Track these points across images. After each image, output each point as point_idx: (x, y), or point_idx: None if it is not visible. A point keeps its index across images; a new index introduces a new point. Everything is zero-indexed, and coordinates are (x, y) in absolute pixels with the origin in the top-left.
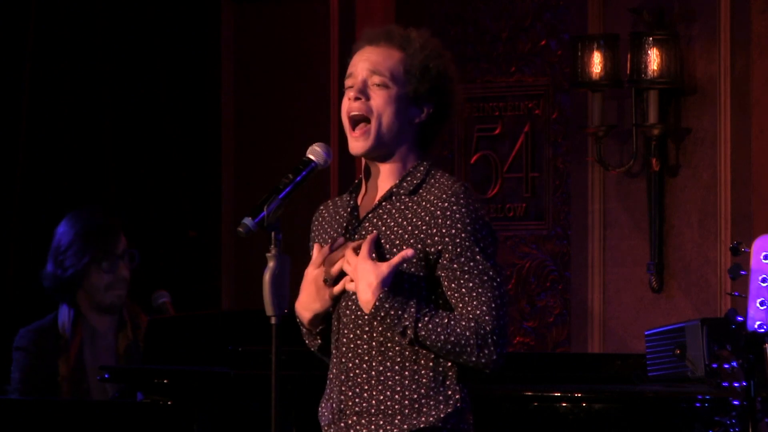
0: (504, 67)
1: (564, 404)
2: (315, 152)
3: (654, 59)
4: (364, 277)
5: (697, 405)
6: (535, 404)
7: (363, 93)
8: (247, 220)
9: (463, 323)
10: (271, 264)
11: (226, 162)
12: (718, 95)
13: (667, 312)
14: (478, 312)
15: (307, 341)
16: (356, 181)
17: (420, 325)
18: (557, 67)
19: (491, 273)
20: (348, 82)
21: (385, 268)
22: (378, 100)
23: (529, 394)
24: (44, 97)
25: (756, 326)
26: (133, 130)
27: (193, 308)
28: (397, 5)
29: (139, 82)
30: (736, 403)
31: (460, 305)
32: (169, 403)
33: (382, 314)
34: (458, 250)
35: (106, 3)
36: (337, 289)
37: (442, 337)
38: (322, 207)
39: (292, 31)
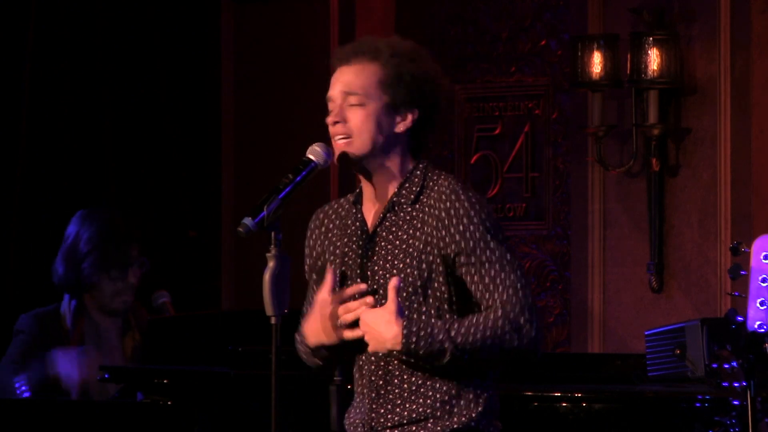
0: (504, 67)
1: (564, 404)
2: (315, 152)
3: (654, 59)
4: (378, 321)
5: (697, 405)
6: (535, 404)
7: (341, 116)
8: (247, 220)
9: (492, 315)
10: (271, 264)
11: (226, 162)
12: (718, 95)
13: (667, 312)
14: (504, 297)
15: (303, 356)
16: (357, 190)
17: (453, 334)
18: (557, 67)
19: (508, 257)
20: (329, 106)
21: (391, 304)
22: (355, 120)
23: (529, 394)
24: (44, 97)
25: (756, 326)
26: (133, 130)
27: (193, 308)
28: (397, 5)
29: (139, 82)
30: (736, 403)
31: (486, 295)
32: (169, 403)
33: (414, 340)
34: (471, 243)
35: (106, 3)
36: (348, 335)
37: (479, 335)
38: (321, 213)
39: (292, 31)
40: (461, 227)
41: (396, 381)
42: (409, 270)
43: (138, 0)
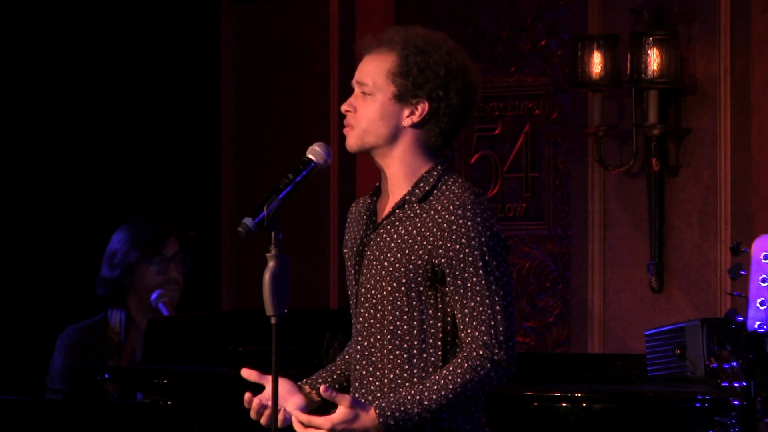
0: (504, 67)
1: (564, 404)
2: (315, 152)
3: (654, 59)
4: (353, 423)
5: (697, 405)
6: (535, 404)
7: (351, 105)
8: (247, 220)
9: (459, 370)
10: (271, 264)
11: (226, 162)
12: (718, 95)
13: (667, 312)
14: (476, 334)
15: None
16: (378, 184)
17: (426, 403)
18: (557, 67)
19: (493, 287)
20: None
21: (348, 405)
22: (361, 110)
23: (529, 394)
24: (44, 97)
25: (756, 326)
26: (133, 130)
27: (193, 308)
28: (397, 5)
29: (139, 82)
30: (736, 403)
31: (461, 326)
32: (169, 403)
33: (393, 423)
34: (461, 265)
35: (106, 3)
36: None
37: (451, 395)
38: (353, 205)
39: (292, 31)
40: (457, 246)
41: (378, 373)
42: (397, 265)
43: (138, 0)
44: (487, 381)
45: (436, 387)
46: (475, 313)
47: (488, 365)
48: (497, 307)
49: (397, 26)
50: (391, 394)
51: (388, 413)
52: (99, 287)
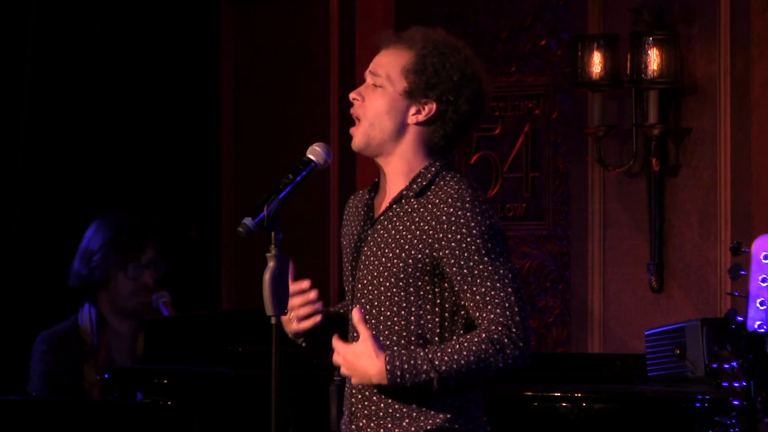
0: (504, 67)
1: (564, 404)
2: (315, 152)
3: (654, 59)
4: (359, 357)
5: (697, 405)
6: (535, 404)
7: (360, 94)
8: (247, 220)
9: (476, 339)
10: (271, 264)
11: (226, 162)
12: (718, 95)
13: (667, 312)
14: (491, 316)
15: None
16: (376, 179)
17: (437, 363)
18: (557, 67)
19: (501, 271)
20: None
21: (367, 339)
22: (369, 100)
23: (529, 394)
24: (44, 97)
25: (756, 326)
26: (133, 130)
27: (193, 308)
28: (397, 5)
29: (139, 82)
30: (736, 403)
31: (476, 313)
32: (169, 403)
33: (399, 374)
34: (465, 254)
35: (106, 3)
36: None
37: (463, 361)
38: (351, 198)
39: (292, 31)
40: (459, 236)
41: None
42: (396, 261)
43: (138, 0)
44: (502, 358)
45: (450, 350)
46: (488, 297)
47: (506, 341)
48: (509, 289)
49: (419, 26)
50: (401, 350)
51: (397, 363)
52: (72, 279)
